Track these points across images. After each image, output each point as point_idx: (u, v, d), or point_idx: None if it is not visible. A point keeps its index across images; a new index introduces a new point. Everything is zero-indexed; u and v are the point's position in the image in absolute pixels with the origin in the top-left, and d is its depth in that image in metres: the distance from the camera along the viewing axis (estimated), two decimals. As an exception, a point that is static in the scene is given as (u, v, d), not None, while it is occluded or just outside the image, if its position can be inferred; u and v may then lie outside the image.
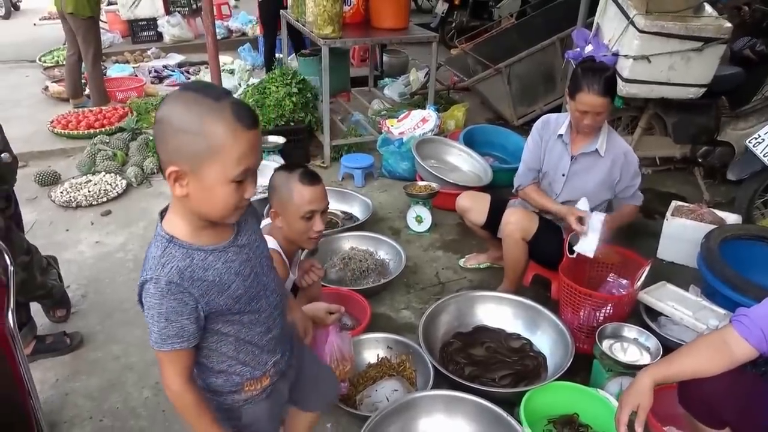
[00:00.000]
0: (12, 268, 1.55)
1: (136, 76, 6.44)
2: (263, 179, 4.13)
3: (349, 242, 3.19)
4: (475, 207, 2.84)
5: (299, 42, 5.66)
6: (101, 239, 3.46)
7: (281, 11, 5.04)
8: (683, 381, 1.64)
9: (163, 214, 1.22)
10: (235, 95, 5.08)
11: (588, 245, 2.40)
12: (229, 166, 1.09)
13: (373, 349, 2.43)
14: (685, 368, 1.60)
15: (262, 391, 1.40)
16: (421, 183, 3.56)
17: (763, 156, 3.03)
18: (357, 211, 3.58)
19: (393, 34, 4.45)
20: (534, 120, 4.85)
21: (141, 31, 7.81)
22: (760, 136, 3.08)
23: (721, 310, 2.45)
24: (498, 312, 2.62)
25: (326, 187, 1.97)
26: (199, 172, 1.09)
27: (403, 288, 2.99)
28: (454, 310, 2.60)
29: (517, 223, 2.60)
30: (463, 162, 4.00)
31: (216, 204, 1.13)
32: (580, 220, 2.42)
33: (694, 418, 1.67)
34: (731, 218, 3.12)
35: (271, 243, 1.94)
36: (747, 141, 3.14)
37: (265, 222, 2.06)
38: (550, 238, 2.63)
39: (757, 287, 2.47)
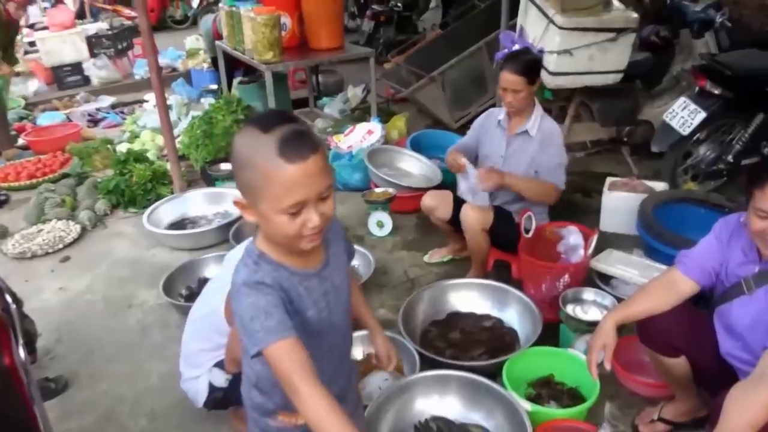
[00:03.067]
0: (14, 306, 1.58)
1: (70, 121, 6.32)
2: (224, 205, 4.16)
3: (318, 253, 3.30)
4: (440, 205, 3.02)
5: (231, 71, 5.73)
6: (65, 285, 3.42)
7: (216, 42, 5.13)
8: (641, 320, 1.86)
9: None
10: (177, 129, 5.05)
11: (480, 199, 2.80)
12: (276, 199, 1.09)
13: (358, 347, 2.55)
14: (641, 307, 1.83)
15: (295, 428, 1.35)
16: (378, 189, 3.73)
17: (679, 127, 3.39)
18: (319, 224, 3.69)
19: (330, 53, 4.64)
20: (471, 121, 5.18)
21: (66, 76, 7.64)
22: (674, 111, 3.44)
23: (663, 266, 2.71)
24: (468, 297, 2.80)
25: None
26: (255, 203, 1.13)
27: (376, 288, 3.13)
28: (428, 300, 2.77)
29: (474, 216, 2.82)
30: (414, 167, 4.20)
31: (277, 232, 1.14)
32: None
33: (653, 350, 1.90)
34: (659, 186, 3.45)
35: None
36: (663, 116, 3.50)
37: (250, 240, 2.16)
38: (505, 225, 2.85)
39: (690, 242, 2.71)
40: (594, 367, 1.81)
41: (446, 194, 3.08)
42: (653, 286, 1.86)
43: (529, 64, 2.67)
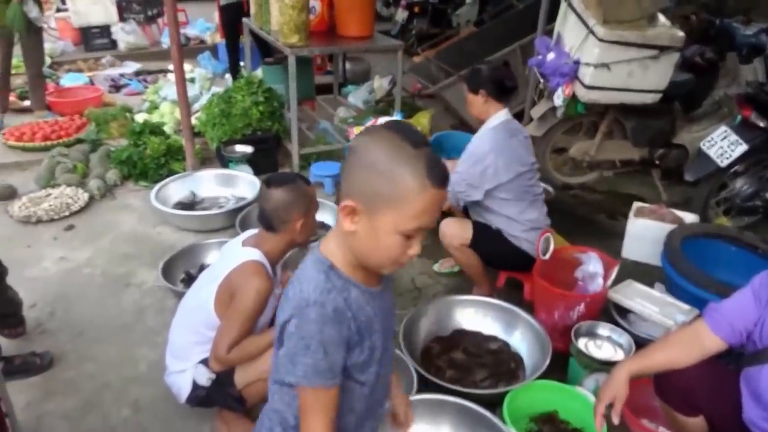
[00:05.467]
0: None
1: (93, 84, 6.26)
2: (235, 189, 4.08)
3: (324, 251, 3.19)
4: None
5: (266, 49, 5.55)
6: (66, 255, 3.35)
7: (244, 19, 5.00)
8: (659, 373, 1.72)
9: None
10: (197, 104, 4.99)
11: None
12: (403, 219, 1.03)
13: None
14: (659, 360, 1.69)
15: None
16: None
17: (717, 158, 3.20)
18: (330, 219, 3.58)
19: (358, 42, 4.49)
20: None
21: (94, 38, 7.58)
22: (713, 139, 3.25)
23: (685, 306, 2.58)
24: (475, 315, 2.67)
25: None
26: (373, 214, 1.04)
27: (380, 294, 3.01)
28: (433, 314, 2.64)
29: (451, 233, 2.74)
30: (432, 168, 4.06)
31: (378, 251, 1.08)
32: None
33: (669, 407, 1.76)
34: (689, 217, 3.27)
35: (256, 255, 1.94)
36: (701, 144, 3.31)
37: (250, 233, 2.06)
38: (486, 238, 2.71)
39: (717, 283, 2.61)
40: (600, 417, 1.69)
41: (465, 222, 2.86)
42: (676, 338, 1.72)
43: (471, 73, 2.72)
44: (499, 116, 2.66)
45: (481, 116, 2.72)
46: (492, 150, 2.57)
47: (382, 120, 4.42)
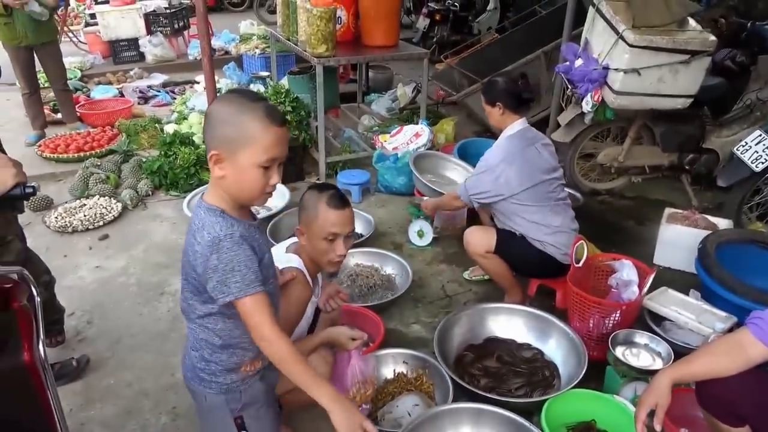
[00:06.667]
0: (38, 299, 1.53)
1: (122, 96, 6.39)
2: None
3: (354, 258, 3.21)
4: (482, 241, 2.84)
5: None
6: (101, 264, 3.42)
7: (270, 30, 5.07)
8: (701, 381, 1.70)
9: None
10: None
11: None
12: (258, 153, 1.33)
13: (390, 365, 2.45)
14: (702, 368, 1.67)
15: (255, 372, 1.58)
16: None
17: (751, 163, 3.15)
18: (359, 227, 3.60)
19: (383, 51, 4.52)
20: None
21: (122, 51, 7.76)
22: (747, 143, 3.20)
23: (722, 313, 2.54)
24: (508, 323, 2.67)
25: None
26: (234, 156, 1.34)
27: (411, 302, 3.02)
28: (466, 322, 2.64)
29: (475, 242, 2.77)
30: (459, 176, 4.05)
31: (246, 185, 1.37)
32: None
33: (713, 416, 1.73)
34: (723, 223, 3.23)
35: (295, 262, 1.97)
36: (734, 148, 3.26)
37: (292, 240, 2.09)
38: (514, 244, 2.72)
39: (754, 289, 2.57)
40: (641, 425, 1.67)
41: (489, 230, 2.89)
42: (719, 345, 1.69)
43: (487, 85, 2.81)
44: (515, 125, 2.72)
45: (499, 126, 2.80)
46: (503, 160, 2.65)
47: (407, 128, 4.44)
